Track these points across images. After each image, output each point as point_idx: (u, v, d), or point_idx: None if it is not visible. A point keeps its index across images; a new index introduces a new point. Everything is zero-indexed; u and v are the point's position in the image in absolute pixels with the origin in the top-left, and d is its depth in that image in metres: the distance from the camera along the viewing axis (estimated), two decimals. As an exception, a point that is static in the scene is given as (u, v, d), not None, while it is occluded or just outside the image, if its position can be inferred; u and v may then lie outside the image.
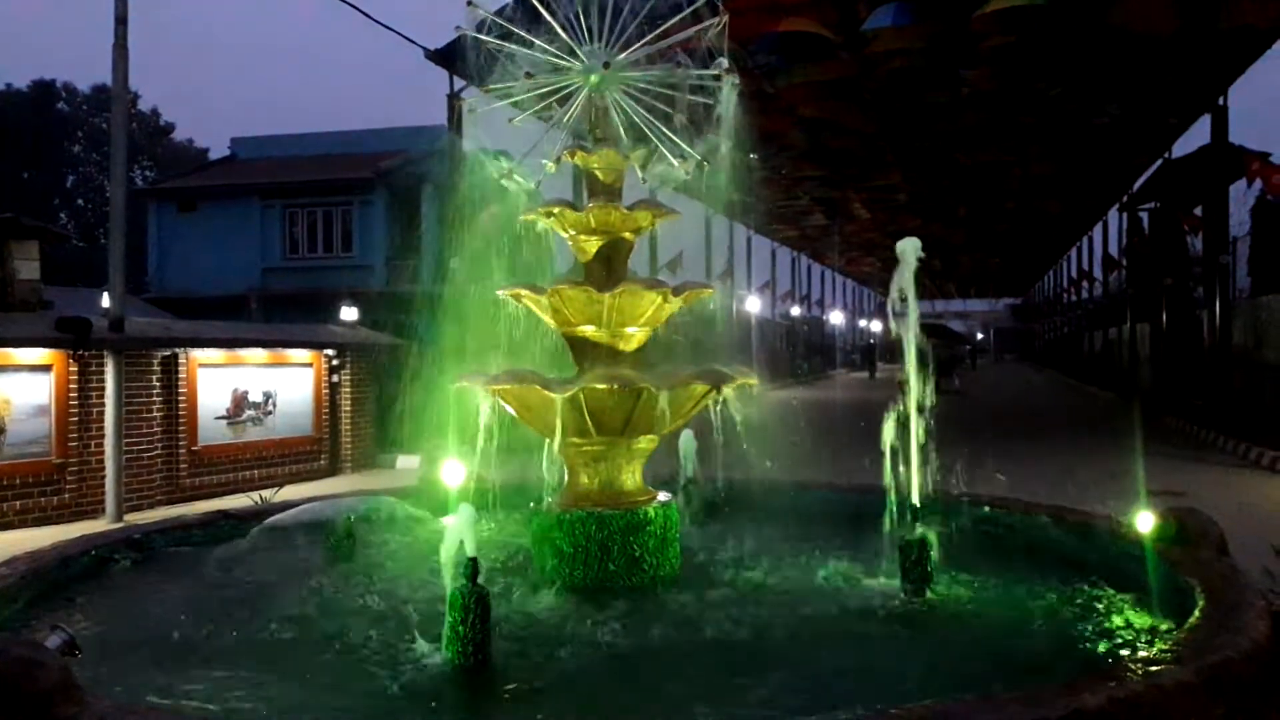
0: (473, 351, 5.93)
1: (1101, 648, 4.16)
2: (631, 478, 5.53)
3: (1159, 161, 26.78)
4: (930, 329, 5.25)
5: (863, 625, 4.62)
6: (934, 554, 4.98)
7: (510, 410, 5.37)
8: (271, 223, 30.25)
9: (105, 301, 12.26)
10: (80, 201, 52.30)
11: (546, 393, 5.07)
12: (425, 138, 25.31)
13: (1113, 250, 34.96)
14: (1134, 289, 29.77)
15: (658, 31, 5.63)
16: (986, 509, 6.53)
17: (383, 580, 5.37)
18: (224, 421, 12.61)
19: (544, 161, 5.72)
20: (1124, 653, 4.03)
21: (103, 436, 10.64)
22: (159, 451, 11.49)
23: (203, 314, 22.62)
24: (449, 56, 16.69)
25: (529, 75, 5.55)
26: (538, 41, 5.58)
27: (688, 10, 5.63)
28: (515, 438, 5.56)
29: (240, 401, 12.87)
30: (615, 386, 5.11)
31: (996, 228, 44.30)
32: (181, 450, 11.87)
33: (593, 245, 5.63)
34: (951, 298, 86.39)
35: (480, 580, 3.99)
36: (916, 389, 5.13)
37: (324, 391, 14.21)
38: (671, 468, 6.83)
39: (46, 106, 50.08)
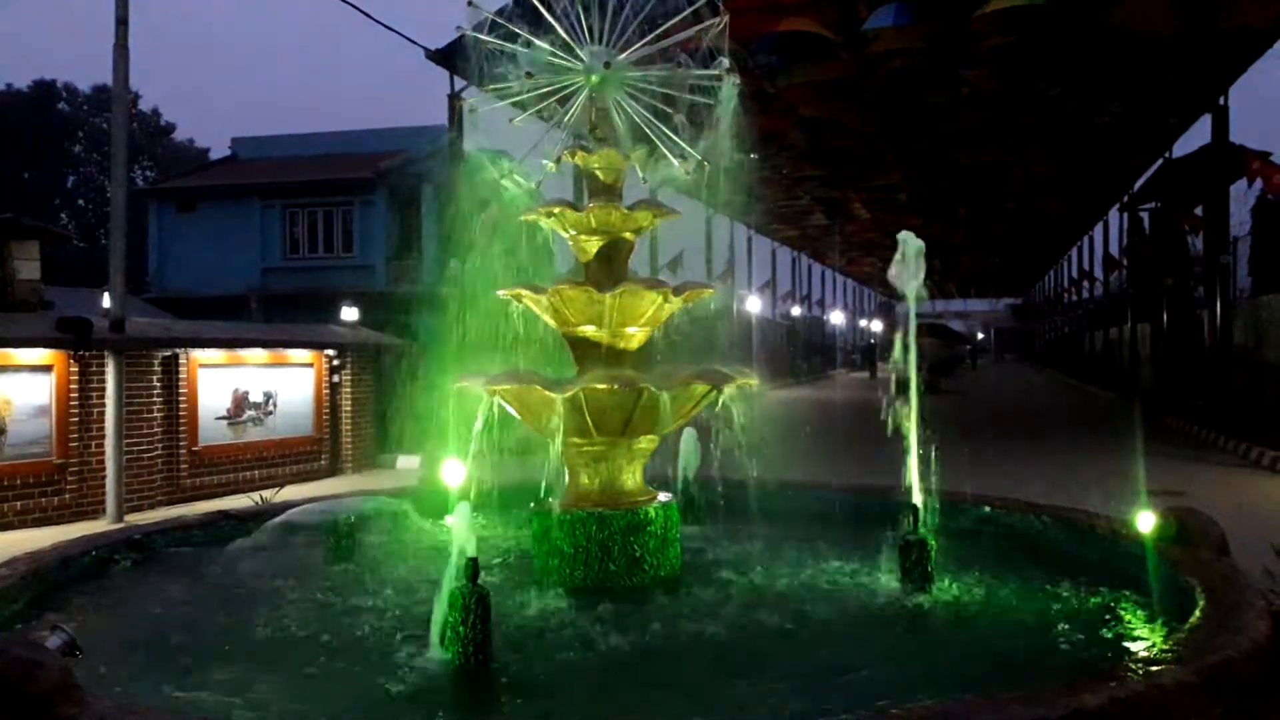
0: (473, 352, 5.94)
1: (1102, 647, 4.16)
2: (632, 478, 5.54)
3: (1159, 161, 26.77)
4: (930, 329, 5.24)
5: (863, 625, 4.62)
6: (934, 554, 4.98)
7: (511, 410, 5.37)
8: (272, 223, 30.25)
9: (106, 302, 12.27)
10: (81, 202, 52.30)
11: (547, 393, 5.08)
12: (426, 138, 25.31)
13: (1113, 250, 34.96)
14: (1134, 289, 29.77)
15: (658, 31, 5.63)
16: (987, 509, 6.53)
17: (383, 580, 5.37)
18: (224, 422, 12.60)
19: (544, 161, 5.73)
20: (1124, 652, 4.03)
21: (103, 437, 10.64)
22: (159, 452, 11.49)
23: (203, 314, 22.62)
24: (450, 56, 16.69)
25: (529, 75, 5.56)
26: (538, 41, 5.58)
27: (688, 10, 5.63)
28: (515, 438, 5.56)
29: (241, 402, 12.87)
30: (615, 387, 5.11)
31: (997, 227, 44.29)
32: (182, 450, 11.87)
33: (593, 245, 5.63)
34: (952, 298, 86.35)
35: (480, 580, 4.00)
36: (916, 391, 5.14)
37: (324, 392, 14.21)
38: (672, 468, 6.83)
39: (47, 107, 50.09)
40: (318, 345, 14.25)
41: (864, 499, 7.06)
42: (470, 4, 5.68)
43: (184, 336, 12.24)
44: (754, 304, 38.67)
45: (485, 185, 5.83)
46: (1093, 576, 5.13)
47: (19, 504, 10.10)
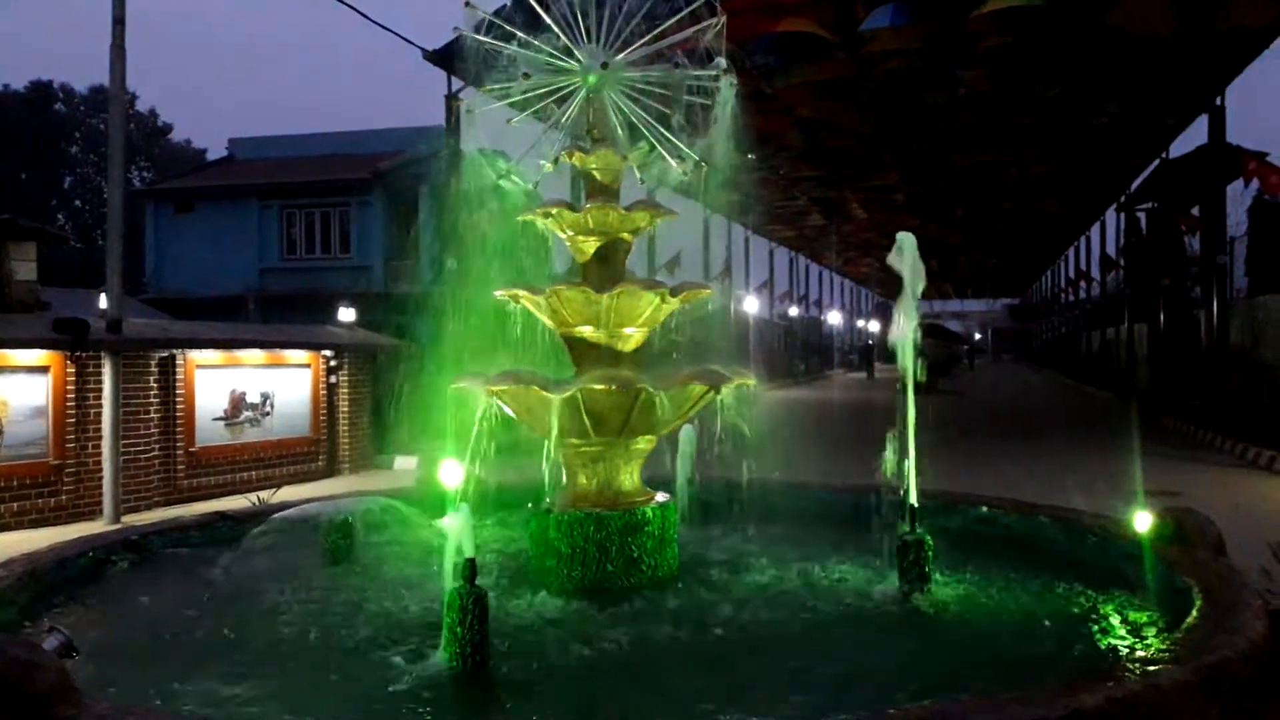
0: (471, 352, 5.93)
1: (1099, 647, 4.17)
2: (630, 478, 5.54)
3: (1156, 162, 26.80)
4: (927, 329, 5.26)
5: (861, 625, 4.62)
6: (932, 554, 4.99)
7: (508, 411, 5.37)
8: (269, 223, 30.22)
9: (103, 302, 12.26)
10: (78, 202, 52.26)
11: (544, 393, 5.07)
12: (423, 139, 25.29)
13: (1110, 250, 34.99)
14: (1131, 289, 29.79)
15: (656, 32, 5.63)
16: (984, 509, 6.54)
17: (380, 581, 5.37)
18: (221, 422, 12.59)
19: (542, 162, 5.73)
20: (1122, 652, 4.04)
21: (100, 438, 10.62)
22: (156, 453, 11.47)
23: (200, 315, 22.60)
24: (447, 57, 16.69)
25: (527, 76, 5.56)
26: (535, 42, 5.58)
27: (686, 11, 5.63)
28: (513, 439, 5.56)
29: (238, 402, 12.85)
30: (613, 387, 5.11)
31: (994, 228, 44.34)
32: (179, 451, 11.85)
33: (591, 246, 5.63)
34: (949, 298, 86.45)
35: (478, 581, 3.99)
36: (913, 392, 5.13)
37: (322, 392, 14.20)
38: (670, 468, 6.83)
39: (44, 107, 50.04)
40: (315, 346, 14.24)
41: (862, 498, 7.06)
42: (468, 4, 5.68)
43: (181, 337, 12.22)
44: (751, 304, 38.68)
45: (483, 186, 5.83)
46: (1090, 577, 5.14)
47: (15, 505, 10.09)
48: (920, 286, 5.10)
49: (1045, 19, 16.06)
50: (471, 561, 3.97)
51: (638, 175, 5.85)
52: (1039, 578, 5.19)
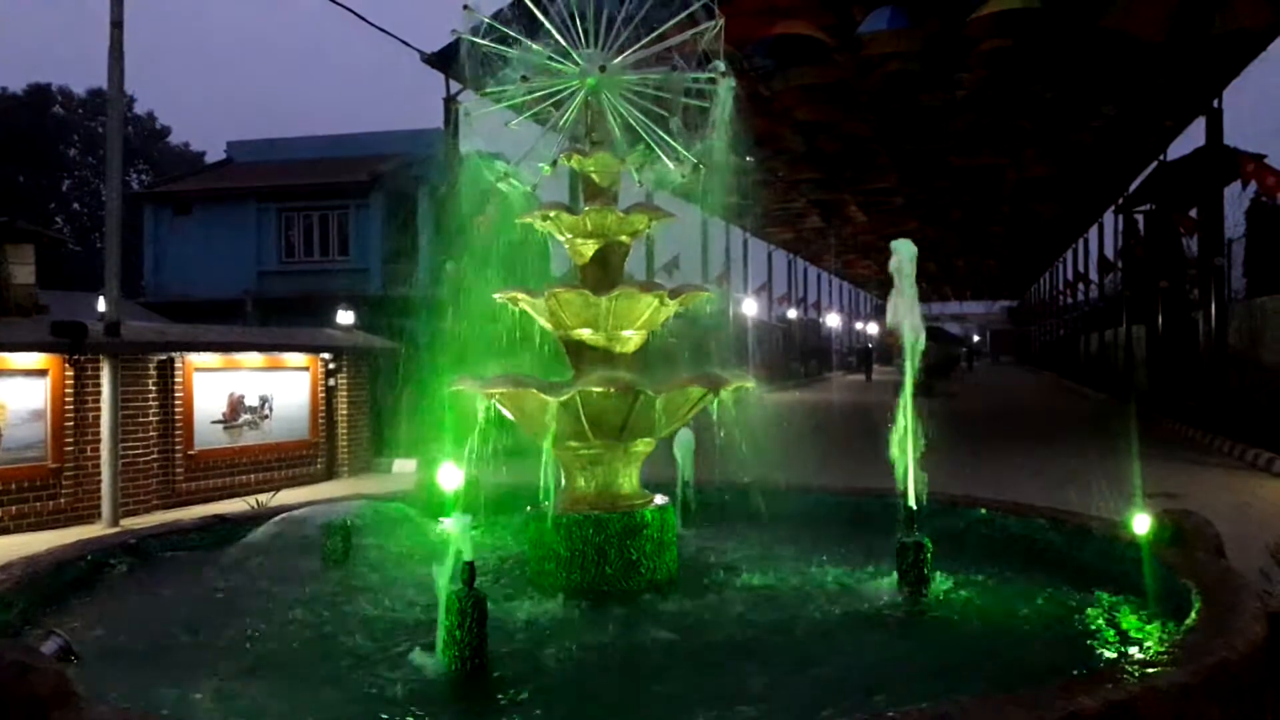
0: (469, 355, 5.93)
1: (1098, 650, 4.16)
2: (628, 481, 5.53)
3: (1154, 164, 26.83)
4: (926, 332, 5.25)
5: (860, 628, 4.62)
6: (931, 556, 4.99)
7: (507, 414, 5.37)
8: (268, 226, 30.18)
9: (101, 305, 12.25)
10: (76, 205, 52.23)
11: (543, 396, 5.07)
12: (422, 141, 25.30)
13: (1108, 252, 35.03)
14: (1130, 291, 29.81)
15: (654, 35, 5.63)
16: (983, 511, 6.53)
17: (378, 584, 5.37)
18: (220, 426, 12.59)
19: (540, 165, 5.73)
20: (1120, 655, 4.03)
21: (98, 441, 10.62)
22: (155, 456, 11.47)
23: (199, 318, 22.56)
24: (445, 60, 16.69)
25: (525, 79, 5.56)
26: (534, 45, 5.58)
27: (684, 14, 5.63)
28: (512, 441, 5.56)
29: (236, 405, 12.85)
30: (612, 390, 5.11)
31: (992, 230, 44.40)
32: (177, 454, 11.85)
33: (589, 248, 5.63)
34: (948, 300, 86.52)
35: (476, 584, 3.99)
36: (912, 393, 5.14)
37: (320, 395, 14.20)
38: (669, 470, 6.83)
39: (42, 110, 50.01)
40: (313, 349, 14.24)
41: (861, 501, 7.07)
42: (466, 8, 5.68)
43: (179, 340, 12.22)
44: (750, 307, 38.68)
45: (481, 189, 5.82)
46: (1089, 578, 5.13)
47: (14, 508, 10.08)
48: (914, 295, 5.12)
49: (1043, 22, 16.08)
50: (470, 564, 3.96)
51: (636, 178, 5.84)
52: (1038, 579, 5.19)
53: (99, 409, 10.65)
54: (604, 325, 5.45)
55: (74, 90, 52.45)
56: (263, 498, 9.72)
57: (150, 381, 11.47)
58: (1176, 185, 24.09)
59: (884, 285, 5.50)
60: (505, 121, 5.86)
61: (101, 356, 10.66)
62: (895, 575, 5.04)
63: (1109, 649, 4.16)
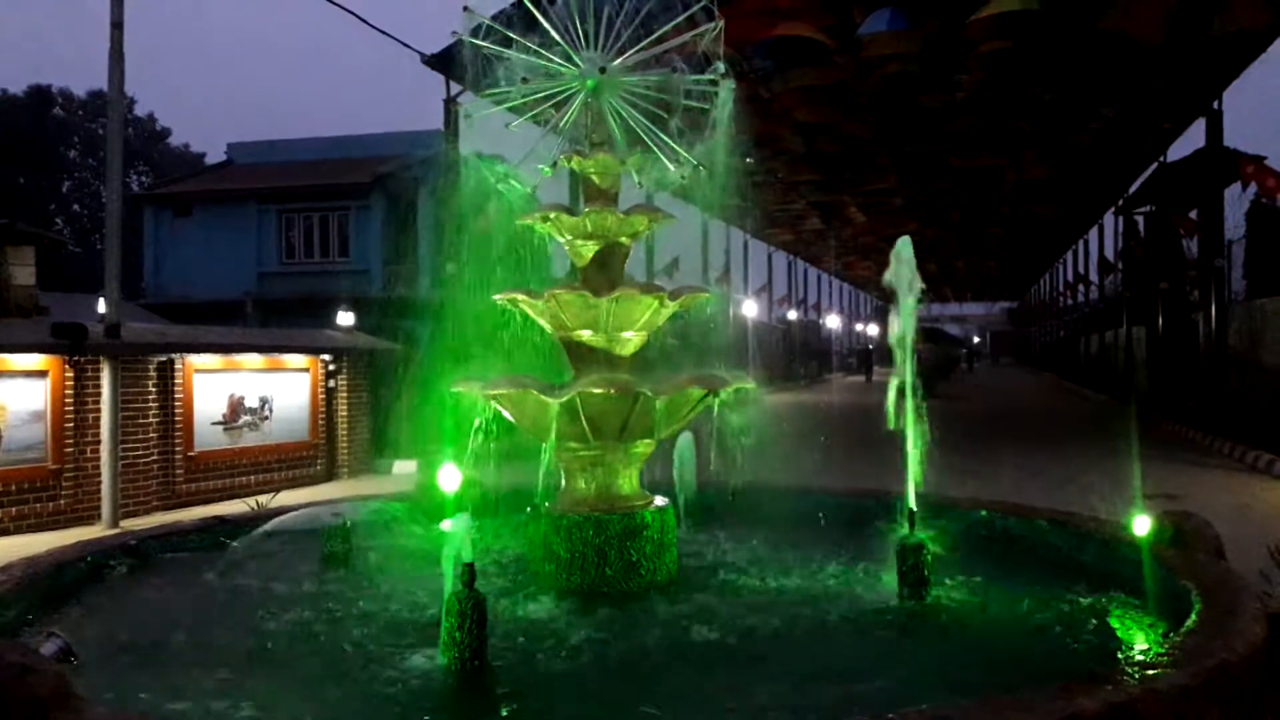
0: (470, 356, 5.93)
1: (1098, 651, 4.16)
2: (628, 482, 5.53)
3: (1154, 165, 26.83)
4: (926, 333, 5.26)
5: (859, 629, 4.62)
6: (930, 558, 4.98)
7: (507, 415, 5.37)
8: (268, 227, 30.18)
9: (101, 307, 12.25)
10: (76, 207, 52.22)
11: (543, 397, 5.07)
12: (422, 143, 25.28)
13: (1108, 254, 35.03)
14: (1130, 292, 29.81)
15: (654, 36, 5.64)
16: (983, 512, 6.53)
17: (378, 585, 5.37)
18: (220, 427, 12.59)
19: (540, 166, 5.73)
20: (1120, 656, 4.03)
21: (99, 442, 10.62)
22: (155, 457, 11.47)
23: (199, 319, 22.54)
24: (446, 62, 16.70)
25: (525, 80, 5.56)
26: (534, 47, 5.59)
27: (683, 15, 5.64)
28: (513, 443, 5.56)
29: (237, 407, 12.85)
30: (612, 391, 5.11)
31: (992, 231, 44.39)
32: (178, 456, 11.85)
33: (589, 250, 5.63)
34: (948, 301, 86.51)
35: (476, 585, 3.99)
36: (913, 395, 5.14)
37: (320, 397, 14.20)
38: (669, 472, 6.83)
39: (43, 112, 50.00)
40: (314, 350, 14.24)
41: (861, 502, 7.07)
42: (466, 9, 5.69)
43: (179, 342, 12.22)
44: (750, 308, 38.68)
45: (482, 190, 5.83)
46: (1089, 580, 5.13)
47: (14, 509, 10.08)
48: (915, 297, 5.12)
49: (1042, 23, 16.08)
50: (470, 566, 3.96)
51: (636, 179, 5.85)
52: (1038, 581, 5.19)
53: (99, 410, 10.65)
54: (604, 327, 5.46)
55: (74, 92, 52.49)
56: (263, 499, 9.72)
57: (150, 383, 11.47)
58: (1176, 187, 24.09)
59: (884, 287, 5.51)
60: (505, 123, 5.87)
61: (102, 358, 10.66)
62: (895, 577, 5.03)
63: (1109, 651, 4.16)
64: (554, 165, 5.69)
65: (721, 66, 5.68)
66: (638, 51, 5.64)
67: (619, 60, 5.59)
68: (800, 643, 4.41)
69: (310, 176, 30.04)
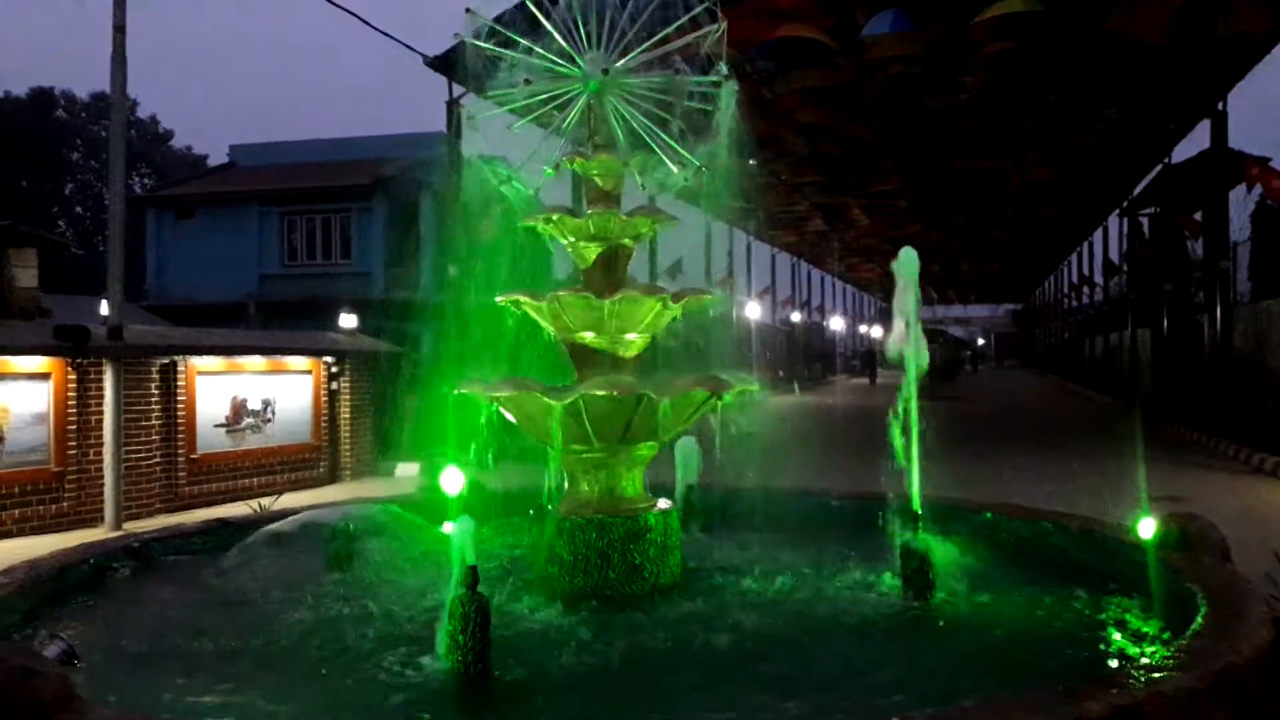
0: (472, 358, 5.92)
1: (1103, 654, 4.15)
2: (632, 485, 5.52)
3: (1159, 167, 26.80)
4: (930, 334, 5.25)
5: (863, 632, 4.60)
6: (935, 560, 4.97)
7: (510, 417, 5.36)
8: (270, 229, 30.22)
9: (104, 309, 12.27)
10: (79, 209, 52.29)
11: (546, 400, 5.06)
12: (425, 145, 25.29)
13: (1113, 255, 34.98)
14: (1135, 294, 29.77)
15: (657, 38, 5.63)
16: (988, 515, 6.52)
17: (381, 588, 5.36)
18: (223, 429, 12.59)
19: (543, 168, 5.73)
20: (1126, 659, 4.02)
21: (101, 444, 10.63)
22: (158, 459, 11.48)
23: (201, 321, 22.58)
24: (448, 63, 16.70)
25: (528, 82, 5.56)
26: (537, 48, 5.58)
27: (686, 17, 5.63)
28: (515, 445, 5.55)
29: (239, 409, 12.86)
30: (615, 393, 5.10)
31: (996, 233, 44.35)
32: (180, 458, 11.85)
33: (592, 252, 5.62)
34: (952, 303, 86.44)
35: (480, 588, 3.98)
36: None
37: (323, 399, 14.20)
38: (672, 475, 6.82)
39: (45, 114, 50.09)
40: (316, 352, 14.24)
41: (865, 505, 7.05)
42: (469, 11, 5.69)
43: (182, 344, 12.24)
44: (753, 310, 38.66)
45: (484, 192, 5.82)
46: (1094, 583, 5.12)
47: (17, 512, 10.09)
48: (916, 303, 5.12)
49: (1046, 25, 16.07)
50: (473, 569, 3.95)
51: (639, 181, 5.84)
52: (1043, 584, 5.17)
53: (102, 412, 10.66)
54: (607, 328, 5.45)
55: (77, 94, 52.56)
56: (265, 501, 9.72)
57: (153, 385, 11.47)
58: (1181, 188, 24.06)
59: (887, 289, 5.49)
60: (508, 125, 5.86)
61: (104, 360, 10.67)
62: (900, 579, 5.02)
63: (1114, 653, 4.15)
64: (556, 167, 5.69)
65: (724, 68, 5.68)
66: (640, 53, 5.63)
67: (622, 62, 5.58)
68: (805, 646, 4.40)
69: (312, 178, 30.08)
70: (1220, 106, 20.58)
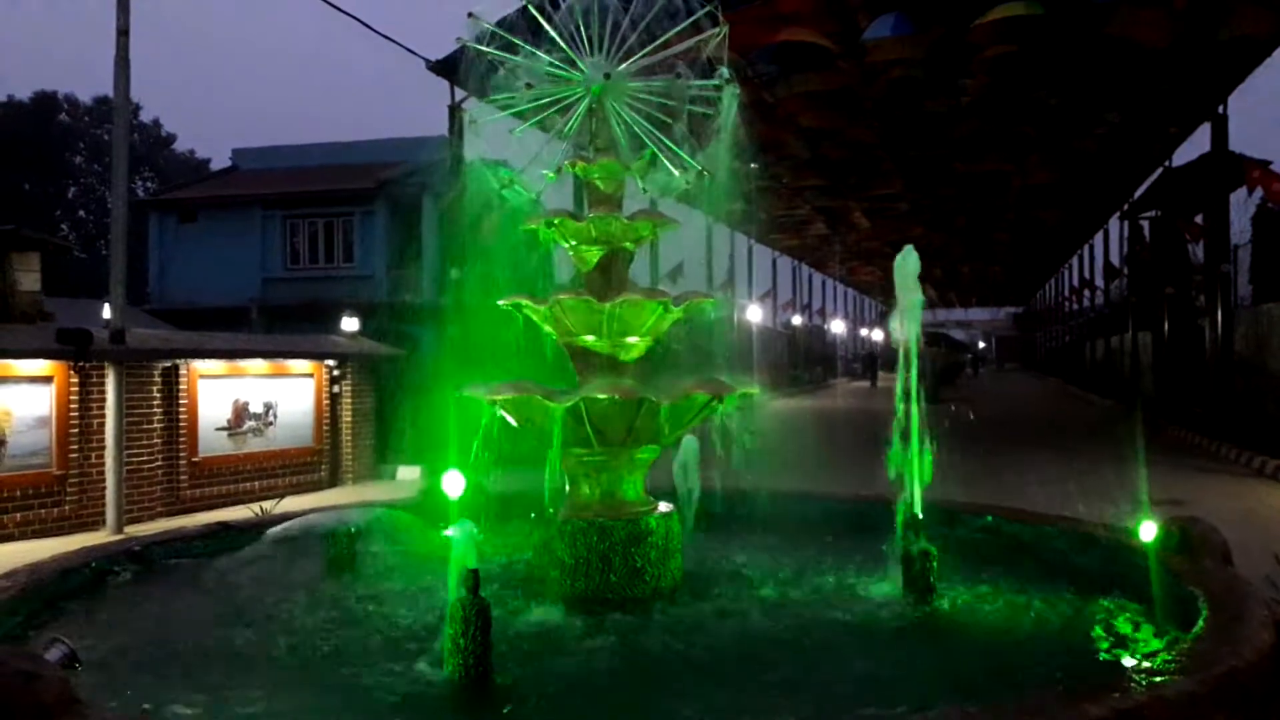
0: (473, 362, 5.93)
1: (1105, 658, 4.15)
2: (633, 488, 5.52)
3: (1160, 170, 26.81)
4: (932, 338, 5.26)
5: (864, 636, 4.60)
6: (936, 564, 4.97)
7: (511, 421, 5.36)
8: (272, 233, 30.26)
9: (106, 312, 12.28)
10: (82, 212, 52.36)
11: (547, 403, 5.07)
12: (427, 148, 25.32)
13: (1114, 259, 34.96)
14: (1135, 297, 29.76)
15: (658, 42, 5.64)
16: (989, 518, 6.52)
17: (382, 592, 5.36)
18: (225, 432, 12.59)
19: (544, 172, 5.74)
20: (1127, 663, 4.02)
21: (103, 448, 10.63)
22: (159, 463, 11.48)
23: (204, 325, 22.60)
24: (450, 67, 16.72)
25: (530, 86, 5.57)
26: (538, 53, 5.59)
27: (688, 21, 5.64)
28: (517, 449, 5.55)
29: (241, 412, 12.86)
30: (616, 397, 5.10)
31: (997, 236, 44.34)
32: (182, 461, 11.85)
33: (593, 255, 5.63)
34: (953, 306, 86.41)
35: (481, 592, 3.98)
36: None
37: (325, 402, 14.20)
38: (673, 478, 6.81)
39: (48, 118, 50.16)
40: (318, 356, 14.24)
41: (866, 509, 7.05)
42: (470, 15, 5.70)
43: (184, 347, 12.24)
44: (755, 313, 38.66)
45: (486, 196, 5.83)
46: (1095, 586, 5.12)
47: (19, 515, 10.09)
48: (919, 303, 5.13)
49: (1047, 28, 16.08)
50: (474, 572, 3.95)
51: (640, 185, 5.85)
52: (1044, 587, 5.17)
53: (104, 416, 10.67)
54: (608, 332, 5.45)
55: (80, 98, 52.63)
56: (267, 504, 9.72)
57: (155, 388, 11.48)
58: (1182, 191, 24.06)
59: (888, 292, 5.51)
60: (510, 129, 5.88)
61: (106, 363, 10.67)
62: (901, 583, 5.02)
63: (1116, 657, 4.14)
64: (558, 171, 5.70)
65: (726, 72, 5.68)
66: (642, 57, 5.64)
67: (623, 66, 5.59)
68: (807, 649, 4.40)
69: (315, 182, 30.12)
70: (1221, 110, 20.58)
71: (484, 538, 5.76)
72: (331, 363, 14.33)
